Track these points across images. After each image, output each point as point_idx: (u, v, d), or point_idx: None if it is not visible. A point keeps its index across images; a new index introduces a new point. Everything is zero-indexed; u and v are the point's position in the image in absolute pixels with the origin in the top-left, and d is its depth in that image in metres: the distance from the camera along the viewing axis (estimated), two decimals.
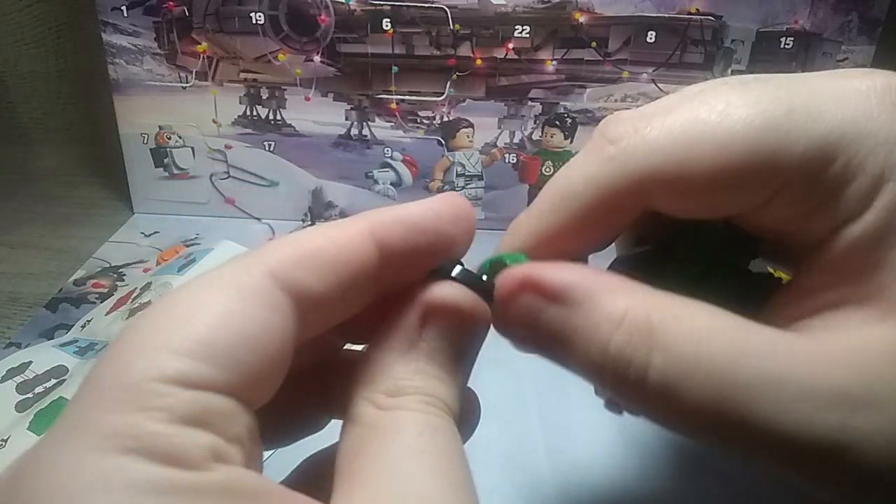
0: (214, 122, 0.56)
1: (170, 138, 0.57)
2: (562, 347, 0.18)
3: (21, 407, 0.36)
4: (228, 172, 0.58)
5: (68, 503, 0.12)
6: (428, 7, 0.52)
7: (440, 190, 0.57)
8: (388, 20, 0.52)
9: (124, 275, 0.50)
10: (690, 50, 0.52)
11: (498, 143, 0.56)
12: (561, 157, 0.56)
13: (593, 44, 0.52)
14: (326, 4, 0.52)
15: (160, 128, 0.57)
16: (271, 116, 0.56)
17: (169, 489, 0.12)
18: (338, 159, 0.57)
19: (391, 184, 0.57)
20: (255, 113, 0.56)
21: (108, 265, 0.52)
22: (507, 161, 0.57)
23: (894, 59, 0.55)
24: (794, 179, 0.17)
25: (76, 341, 0.42)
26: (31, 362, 0.39)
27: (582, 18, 0.52)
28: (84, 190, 0.64)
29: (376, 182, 0.57)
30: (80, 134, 0.71)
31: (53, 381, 0.38)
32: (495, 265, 0.19)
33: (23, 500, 0.12)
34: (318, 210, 0.58)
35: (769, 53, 0.52)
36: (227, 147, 0.57)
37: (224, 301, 0.14)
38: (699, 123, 0.17)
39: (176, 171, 0.58)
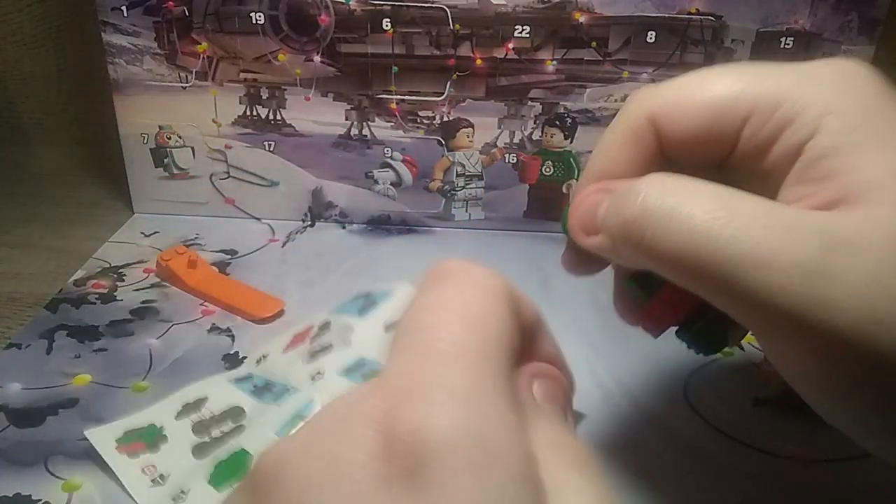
0: (214, 122, 0.56)
1: (170, 138, 0.57)
2: (604, 224, 0.23)
3: (199, 453, 0.33)
4: (228, 172, 0.58)
5: None
6: (428, 7, 0.52)
7: (440, 190, 0.57)
8: (388, 20, 0.52)
9: (124, 275, 0.50)
10: (690, 50, 0.52)
11: (498, 143, 0.56)
12: (561, 157, 0.56)
13: (593, 44, 0.52)
14: (326, 4, 0.52)
15: (160, 128, 0.57)
16: (271, 116, 0.56)
17: None
18: (338, 159, 0.57)
19: (391, 184, 0.57)
20: (255, 113, 0.56)
21: (108, 265, 0.52)
22: (507, 161, 0.57)
23: (894, 59, 0.55)
24: (754, 116, 0.23)
25: (251, 377, 0.38)
26: (206, 398, 0.36)
27: (582, 18, 0.52)
28: (84, 190, 0.64)
29: (376, 182, 0.57)
30: (80, 134, 0.71)
31: (231, 426, 0.35)
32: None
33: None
34: (318, 210, 0.58)
35: (769, 53, 0.52)
36: (227, 147, 0.57)
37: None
38: (686, 90, 0.25)
39: (176, 171, 0.58)
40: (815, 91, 0.22)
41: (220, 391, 0.37)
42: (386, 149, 0.56)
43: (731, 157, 0.24)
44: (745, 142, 0.23)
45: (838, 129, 0.21)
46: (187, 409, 0.36)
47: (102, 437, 0.34)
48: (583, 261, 0.27)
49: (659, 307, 0.26)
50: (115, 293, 0.48)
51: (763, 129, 0.23)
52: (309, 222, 0.59)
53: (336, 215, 0.59)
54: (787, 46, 0.52)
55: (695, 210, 0.20)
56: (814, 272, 0.18)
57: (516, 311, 0.18)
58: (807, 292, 0.18)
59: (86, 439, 0.34)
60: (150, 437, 0.34)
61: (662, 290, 0.25)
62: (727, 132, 0.24)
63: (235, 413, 0.35)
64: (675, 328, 0.27)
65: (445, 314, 0.17)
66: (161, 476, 0.32)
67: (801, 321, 0.19)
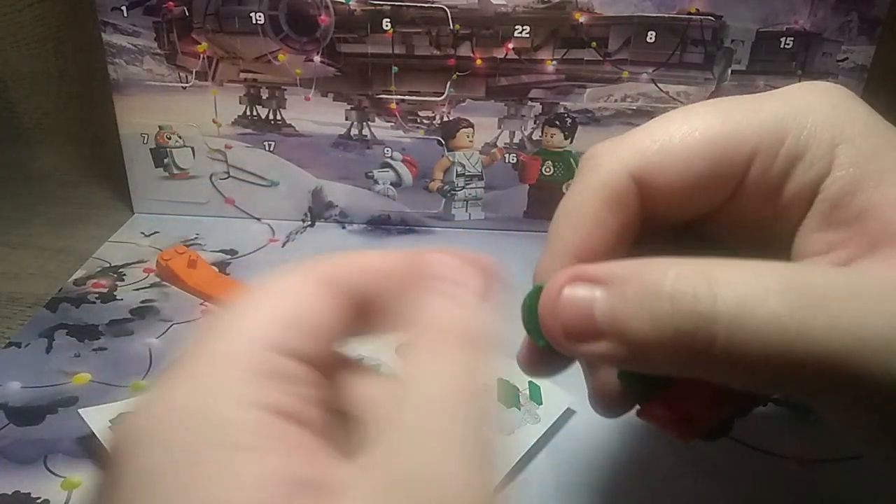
0: (214, 122, 0.56)
1: (170, 138, 0.57)
2: (617, 329, 0.18)
3: None
4: (228, 172, 0.58)
5: (180, 424, 0.14)
6: (428, 7, 0.52)
7: (440, 190, 0.57)
8: (388, 20, 0.52)
9: (124, 275, 0.50)
10: (690, 50, 0.52)
11: (498, 143, 0.56)
12: (561, 158, 0.56)
13: (593, 44, 0.52)
14: (326, 4, 0.52)
15: (160, 128, 0.57)
16: (271, 116, 0.56)
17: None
18: (338, 159, 0.57)
19: (391, 184, 0.57)
20: (255, 113, 0.56)
21: (108, 265, 0.52)
22: (507, 161, 0.57)
23: (894, 59, 0.55)
24: (760, 152, 0.20)
25: None
26: None
27: (582, 18, 0.52)
28: (84, 190, 0.64)
29: (376, 182, 0.57)
30: (80, 134, 0.71)
31: None
32: (538, 290, 0.20)
33: (143, 425, 0.15)
34: (319, 210, 0.58)
35: (769, 53, 0.52)
36: (227, 147, 0.57)
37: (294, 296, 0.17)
38: (670, 135, 0.21)
39: (176, 171, 0.58)
40: (813, 119, 0.20)
41: None
42: (386, 149, 0.56)
43: (729, 204, 0.21)
44: (753, 183, 0.20)
45: (855, 160, 0.19)
46: None
47: (96, 417, 0.35)
48: (549, 360, 0.22)
49: (668, 404, 0.21)
50: (114, 293, 0.48)
51: (773, 166, 0.20)
52: (309, 222, 0.59)
53: (336, 215, 0.59)
54: (787, 46, 0.52)
55: (769, 300, 0.16)
56: None
57: (339, 285, 0.18)
58: None
59: (86, 437, 0.35)
60: None
61: (669, 385, 0.21)
62: (731, 174, 0.21)
63: None
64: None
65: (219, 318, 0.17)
66: None
67: None
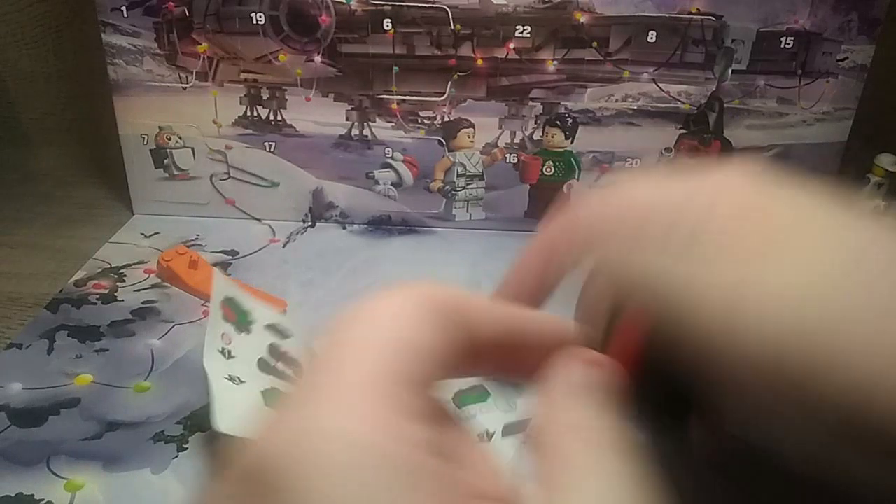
0: (215, 122, 0.56)
1: (170, 139, 0.57)
2: None
3: (262, 366, 0.37)
4: (229, 173, 0.58)
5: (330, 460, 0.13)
6: (429, 7, 0.51)
7: (441, 190, 0.57)
8: (389, 20, 0.52)
9: (125, 276, 0.50)
10: (691, 50, 0.52)
11: (499, 143, 0.56)
12: (562, 157, 0.56)
13: (594, 44, 0.52)
14: (327, 5, 0.52)
15: (160, 128, 0.57)
16: (272, 117, 0.56)
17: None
18: (338, 159, 0.57)
19: (392, 184, 0.57)
20: (255, 113, 0.56)
21: (108, 266, 0.52)
22: (507, 161, 0.57)
23: (894, 59, 0.55)
24: None
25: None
26: (289, 336, 0.40)
27: (583, 18, 0.52)
28: (84, 190, 0.64)
29: (377, 182, 0.57)
30: (80, 134, 0.71)
31: (288, 373, 0.38)
32: None
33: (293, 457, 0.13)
34: (319, 210, 0.58)
35: (769, 53, 0.52)
36: (227, 147, 0.57)
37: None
38: None
39: (176, 172, 0.58)
40: None
41: (293, 346, 0.39)
42: (387, 149, 0.56)
43: None
44: None
45: None
46: (274, 331, 0.39)
47: (219, 287, 0.38)
48: None
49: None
50: (115, 293, 0.48)
51: None
52: (309, 223, 0.59)
53: (337, 216, 0.59)
54: (787, 46, 0.52)
55: None
56: None
57: (451, 320, 0.17)
58: None
59: (87, 439, 0.35)
60: (242, 320, 0.38)
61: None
62: None
63: (296, 366, 0.38)
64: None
65: (340, 336, 0.16)
66: (229, 352, 0.36)
67: None
